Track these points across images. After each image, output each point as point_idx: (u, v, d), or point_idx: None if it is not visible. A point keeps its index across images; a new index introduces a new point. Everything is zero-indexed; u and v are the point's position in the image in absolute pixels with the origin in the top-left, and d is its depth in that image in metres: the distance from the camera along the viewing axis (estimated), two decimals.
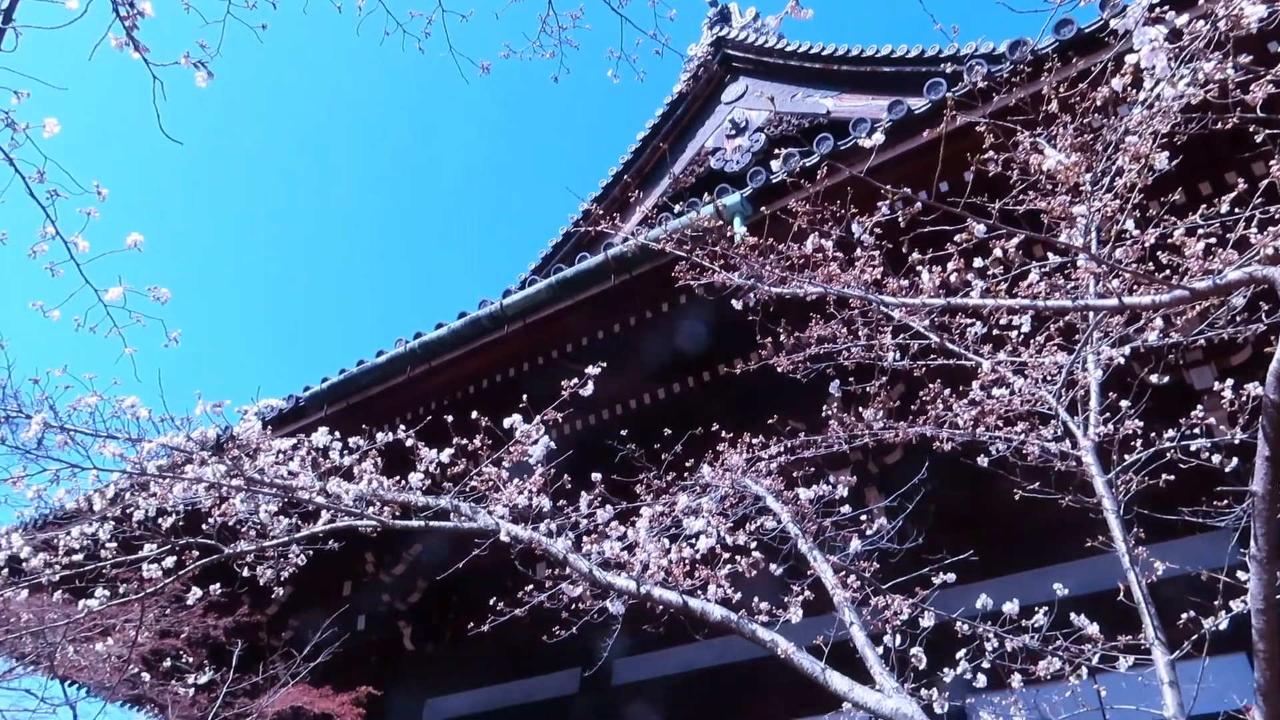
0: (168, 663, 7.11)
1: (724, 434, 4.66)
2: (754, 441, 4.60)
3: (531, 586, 4.35)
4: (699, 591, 3.45)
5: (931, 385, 3.91)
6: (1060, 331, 3.56)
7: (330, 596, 9.39)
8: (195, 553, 3.70)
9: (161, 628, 6.85)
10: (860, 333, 3.89)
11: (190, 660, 7.12)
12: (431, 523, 3.68)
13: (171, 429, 3.33)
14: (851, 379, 4.01)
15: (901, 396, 4.67)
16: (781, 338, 4.42)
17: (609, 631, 4.48)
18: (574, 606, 4.49)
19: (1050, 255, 3.36)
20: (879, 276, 3.34)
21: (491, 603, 4.37)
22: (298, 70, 36.27)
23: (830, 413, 4.23)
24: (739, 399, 6.57)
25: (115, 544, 3.64)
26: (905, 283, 3.21)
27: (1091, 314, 3.25)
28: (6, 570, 3.69)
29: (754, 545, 3.83)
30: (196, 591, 4.17)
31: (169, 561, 3.75)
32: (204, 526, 3.74)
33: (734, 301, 3.62)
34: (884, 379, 3.98)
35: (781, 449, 4.53)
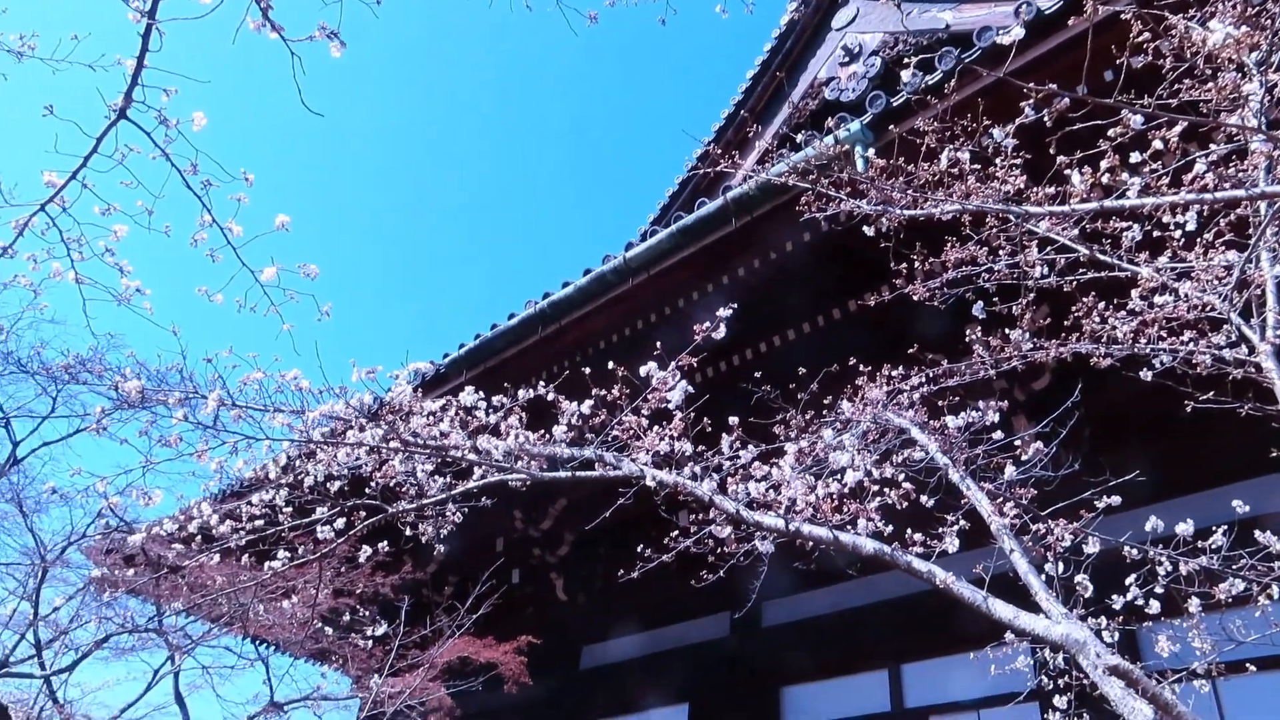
0: (346, 618, 7.64)
1: (861, 368, 4.56)
2: (893, 374, 4.49)
3: (677, 533, 4.41)
4: (849, 526, 3.41)
5: (1083, 300, 3.69)
6: (1231, 227, 3.26)
7: (485, 553, 9.83)
8: (362, 513, 3.93)
9: (336, 587, 7.36)
10: (1001, 251, 3.70)
11: (365, 614, 7.62)
12: (578, 473, 3.76)
13: (331, 398, 3.53)
14: (995, 299, 3.83)
15: (1049, 316, 4.43)
16: (916, 264, 4.27)
17: (756, 574, 4.51)
18: (720, 550, 4.53)
19: (1212, 145, 3.08)
20: (1020, 187, 3.15)
21: (638, 551, 4.46)
22: (407, 40, 37.21)
23: (974, 337, 4.06)
24: (874, 332, 6.41)
25: (291, 509, 3.90)
26: (1050, 190, 3.02)
27: (1266, 204, 2.97)
28: (200, 538, 4.02)
29: (902, 478, 3.74)
30: (366, 550, 4.44)
31: (339, 523, 4.00)
32: (367, 489, 3.96)
33: (865, 228, 3.50)
34: (1030, 297, 3.78)
35: (923, 379, 4.40)
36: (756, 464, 3.80)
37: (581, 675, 10.24)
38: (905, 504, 3.65)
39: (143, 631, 8.19)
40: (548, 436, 3.96)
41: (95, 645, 8.13)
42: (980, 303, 3.83)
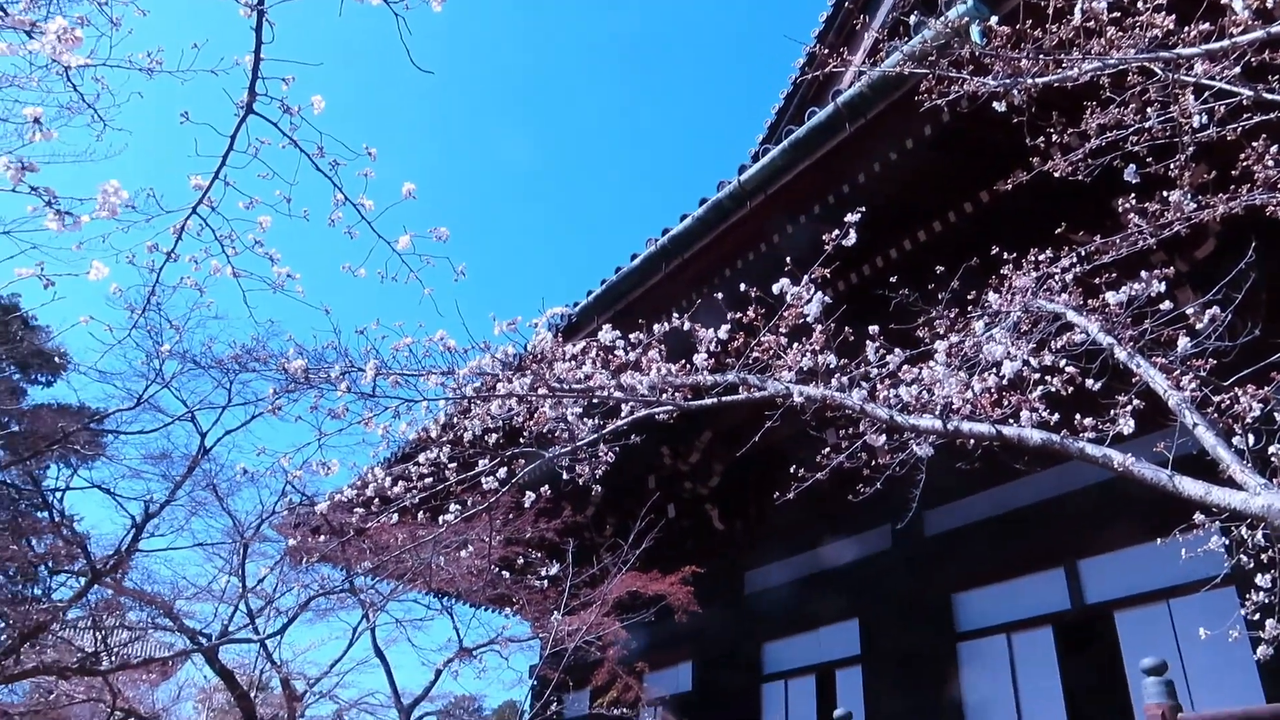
0: (520, 561, 8.03)
1: (1005, 256, 4.34)
2: (1040, 258, 4.25)
3: (828, 449, 4.37)
4: (1011, 420, 3.28)
5: (1251, 147, 3.36)
6: None
7: (639, 492, 10.05)
8: (521, 461, 4.08)
9: (505, 536, 7.72)
10: (1151, 108, 3.40)
11: (537, 557, 7.98)
12: (723, 398, 3.77)
13: (477, 354, 3.65)
14: (1149, 160, 3.54)
15: (1211, 172, 4.07)
16: (1053, 139, 4.00)
17: (915, 482, 4.42)
18: (874, 462, 4.45)
19: None
20: (1169, 29, 2.86)
21: (791, 472, 4.45)
22: None
23: (1127, 207, 3.78)
24: (1015, 218, 6.08)
25: (455, 464, 4.09)
26: (1205, 27, 2.73)
27: None
28: (377, 500, 4.28)
29: (1063, 363, 3.56)
30: (529, 496, 4.61)
31: (501, 473, 4.17)
32: (522, 438, 4.10)
33: (995, 105, 3.29)
34: (1188, 154, 3.47)
35: (1073, 260, 4.14)
36: (905, 368, 3.69)
37: (748, 600, 10.42)
38: (1070, 390, 3.48)
39: (337, 593, 8.88)
40: (689, 366, 3.98)
41: (300, 608, 8.88)
42: (1132, 166, 3.55)
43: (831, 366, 3.73)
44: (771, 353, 3.85)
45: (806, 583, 9.76)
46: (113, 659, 8.89)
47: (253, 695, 9.29)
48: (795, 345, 3.84)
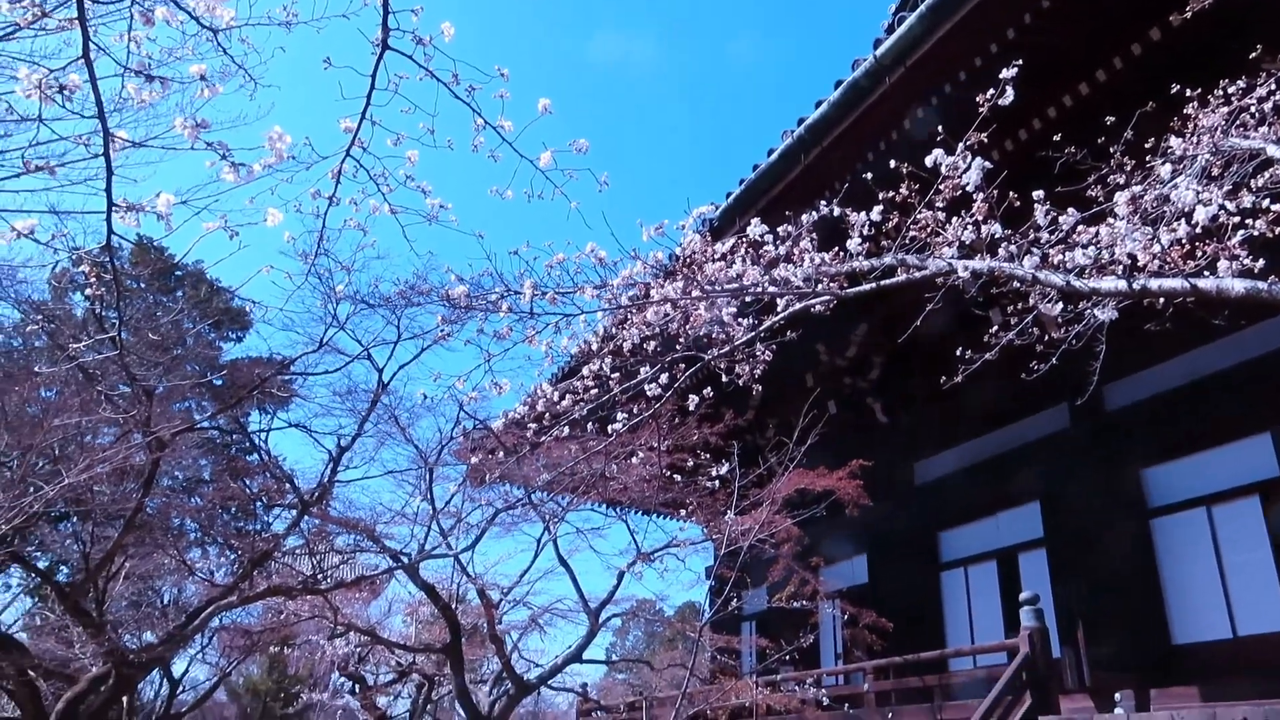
0: (688, 464, 8.21)
1: (1187, 95, 3.93)
2: (1230, 91, 3.82)
3: (996, 329, 4.17)
4: (1205, 272, 3.01)
5: None
6: None
7: (798, 391, 10.00)
8: (681, 365, 4.12)
9: (671, 442, 7.87)
10: None
11: (705, 458, 8.13)
12: (881, 282, 3.64)
13: (629, 263, 3.67)
14: None
15: None
16: None
17: (1094, 355, 4.16)
18: (1047, 337, 4.21)
19: None
20: None
21: (957, 356, 4.29)
22: None
23: None
24: (1193, 52, 5.48)
25: (618, 374, 4.18)
26: None
27: None
28: (547, 416, 4.44)
29: (1266, 203, 3.22)
30: (693, 399, 4.67)
31: (663, 379, 4.23)
32: (679, 344, 4.13)
33: None
34: None
35: (1272, 87, 3.70)
36: (1080, 229, 3.44)
37: (919, 490, 10.27)
38: (1277, 232, 3.14)
39: (519, 505, 9.41)
40: (842, 254, 3.86)
41: (487, 524, 9.50)
42: None
43: (996, 237, 3.52)
44: (929, 230, 3.67)
45: (980, 469, 9.50)
46: (329, 580, 9.81)
47: (453, 607, 10.05)
48: (955, 219, 3.64)
